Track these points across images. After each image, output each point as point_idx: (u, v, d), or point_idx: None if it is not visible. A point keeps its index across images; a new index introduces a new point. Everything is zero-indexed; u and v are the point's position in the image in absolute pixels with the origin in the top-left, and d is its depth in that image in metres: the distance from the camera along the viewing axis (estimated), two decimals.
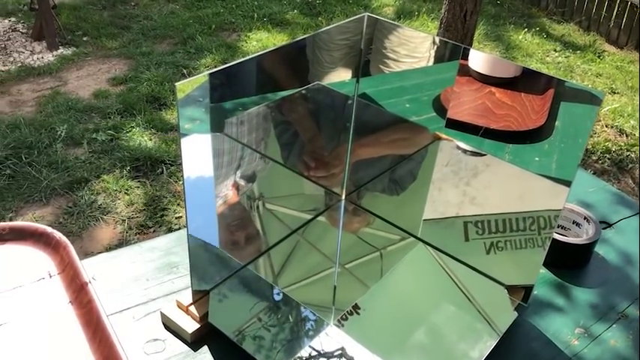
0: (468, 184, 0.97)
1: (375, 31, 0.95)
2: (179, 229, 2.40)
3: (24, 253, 0.88)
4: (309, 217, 1.04)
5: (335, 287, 0.95)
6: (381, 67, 0.98)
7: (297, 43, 0.89)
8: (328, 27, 0.90)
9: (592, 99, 0.77)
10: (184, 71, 3.36)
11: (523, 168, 0.87)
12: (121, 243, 2.18)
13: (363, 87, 0.98)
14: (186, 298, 0.83)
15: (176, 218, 2.34)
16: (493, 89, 0.91)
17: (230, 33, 3.94)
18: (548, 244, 0.85)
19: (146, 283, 0.90)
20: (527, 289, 0.89)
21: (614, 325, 0.89)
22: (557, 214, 0.83)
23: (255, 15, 4.13)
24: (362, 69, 0.97)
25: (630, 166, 2.82)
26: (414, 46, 0.95)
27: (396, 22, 0.95)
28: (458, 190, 0.98)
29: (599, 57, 3.87)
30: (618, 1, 3.97)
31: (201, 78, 0.71)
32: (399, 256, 1.00)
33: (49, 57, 3.48)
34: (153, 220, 2.31)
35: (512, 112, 0.89)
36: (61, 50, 3.55)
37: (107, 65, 3.46)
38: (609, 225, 1.09)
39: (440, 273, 0.96)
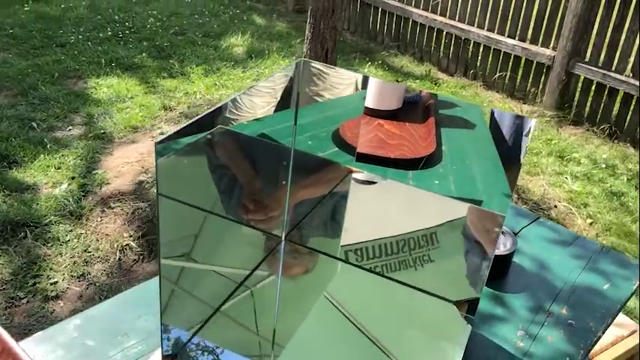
0: (373, 209, 1.02)
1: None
2: (57, 296, 2.19)
3: None
4: (251, 266, 1.02)
5: (274, 330, 0.94)
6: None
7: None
8: (261, 82, 0.91)
9: (472, 114, 0.85)
10: (33, 124, 3.10)
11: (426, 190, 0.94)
12: None
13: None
14: None
15: (51, 284, 2.13)
16: (381, 121, 0.98)
17: (76, 80, 3.72)
18: (491, 255, 0.92)
19: None
20: (472, 302, 0.96)
21: (545, 324, 0.99)
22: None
23: (102, 61, 3.94)
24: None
25: None
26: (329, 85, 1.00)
27: (327, 65, 0.99)
28: (366, 216, 1.02)
29: (435, 84, 4.27)
30: (444, 33, 4.43)
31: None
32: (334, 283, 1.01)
33: None
34: (24, 290, 2.09)
35: (404, 142, 0.95)
36: None
37: None
38: (515, 234, 1.22)
39: (385, 297, 0.99)
